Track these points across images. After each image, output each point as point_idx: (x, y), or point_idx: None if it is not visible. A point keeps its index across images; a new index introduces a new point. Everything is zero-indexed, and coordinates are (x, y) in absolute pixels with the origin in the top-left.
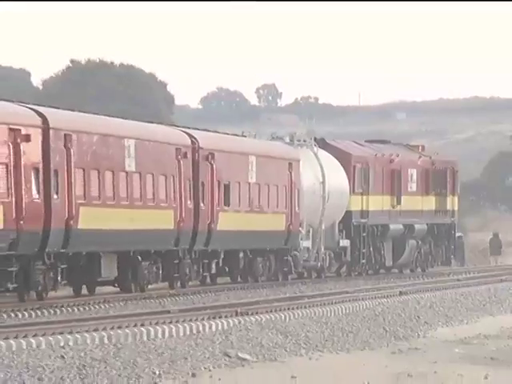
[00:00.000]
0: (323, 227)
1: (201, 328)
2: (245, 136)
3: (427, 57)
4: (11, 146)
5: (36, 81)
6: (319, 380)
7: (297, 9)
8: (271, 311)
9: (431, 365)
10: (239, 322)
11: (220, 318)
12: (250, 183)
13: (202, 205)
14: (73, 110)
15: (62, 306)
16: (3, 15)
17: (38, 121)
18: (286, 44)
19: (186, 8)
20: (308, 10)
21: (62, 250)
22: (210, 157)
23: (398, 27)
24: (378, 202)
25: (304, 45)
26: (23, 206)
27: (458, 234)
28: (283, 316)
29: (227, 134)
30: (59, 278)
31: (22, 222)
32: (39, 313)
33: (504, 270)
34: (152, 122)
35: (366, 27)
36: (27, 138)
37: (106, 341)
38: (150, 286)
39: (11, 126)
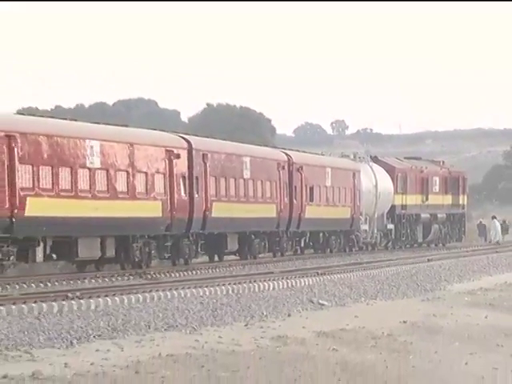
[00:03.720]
0: (376, 216)
1: (294, 283)
2: (323, 154)
3: (447, 99)
4: (167, 162)
5: (184, 117)
6: (374, 318)
7: (355, 61)
8: (341, 272)
9: (449, 308)
10: (320, 280)
11: (307, 276)
12: (326, 186)
13: (294, 201)
14: (208, 137)
15: (201, 269)
16: (160, 71)
17: (185, 144)
18: (352, 91)
19: (283, 65)
20: (363, 63)
21: (201, 231)
22: (300, 168)
23: (428, 79)
24: (412, 199)
25: (364, 91)
26: (175, 201)
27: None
28: (349, 275)
29: (311, 153)
30: (199, 250)
31: (174, 213)
32: (185, 273)
33: (498, 245)
34: (260, 146)
35: (407, 78)
36: (178, 156)
37: (230, 292)
38: (259, 255)
39: (167, 148)
